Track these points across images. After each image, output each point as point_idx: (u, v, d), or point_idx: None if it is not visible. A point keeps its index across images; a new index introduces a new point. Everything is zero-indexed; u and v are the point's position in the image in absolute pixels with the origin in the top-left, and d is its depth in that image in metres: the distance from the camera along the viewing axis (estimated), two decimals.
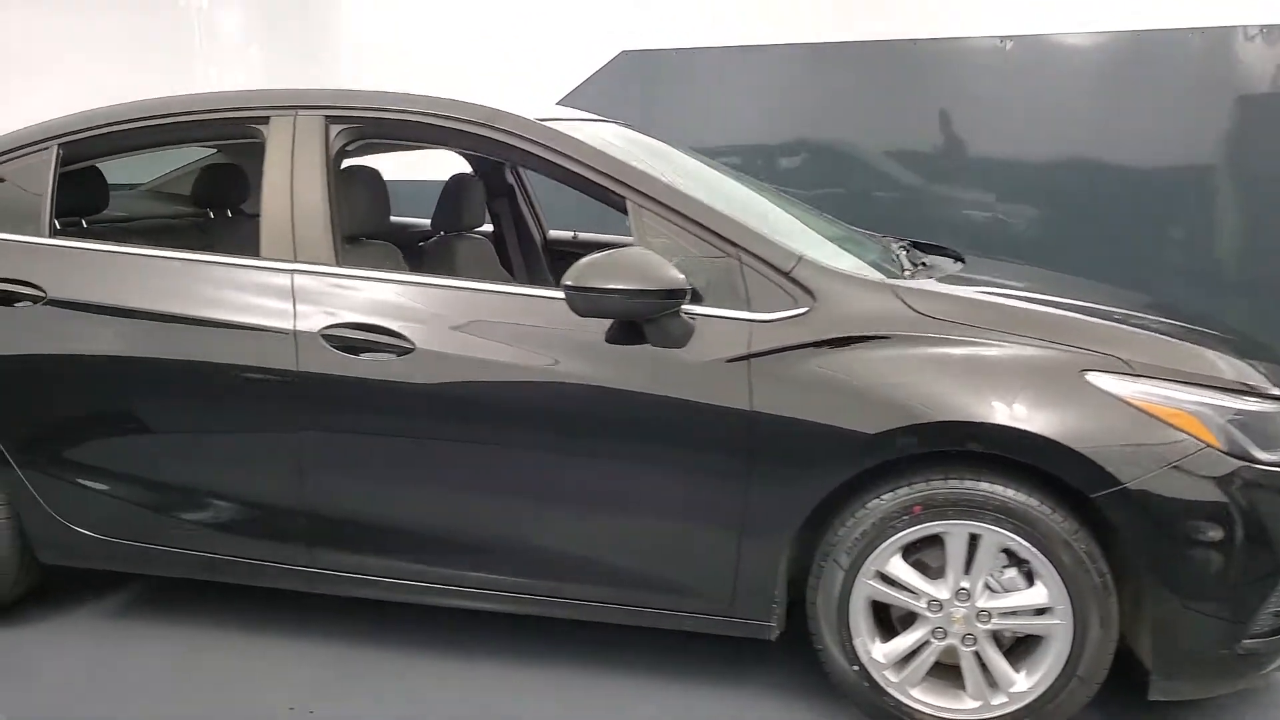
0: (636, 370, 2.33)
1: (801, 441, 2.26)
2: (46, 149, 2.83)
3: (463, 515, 2.54)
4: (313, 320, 2.50)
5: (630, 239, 2.42)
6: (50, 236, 2.78)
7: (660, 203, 2.41)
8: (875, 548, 2.26)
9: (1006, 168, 4.75)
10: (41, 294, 2.69)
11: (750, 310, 2.31)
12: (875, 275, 2.46)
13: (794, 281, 2.32)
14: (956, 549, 2.24)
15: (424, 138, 2.75)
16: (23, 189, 2.83)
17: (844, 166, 5.14)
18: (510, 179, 3.90)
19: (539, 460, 2.46)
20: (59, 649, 2.83)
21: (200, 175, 3.76)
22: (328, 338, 2.48)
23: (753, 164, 5.53)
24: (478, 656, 2.73)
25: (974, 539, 2.22)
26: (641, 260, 2.26)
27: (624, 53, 6.19)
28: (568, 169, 2.50)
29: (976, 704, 2.29)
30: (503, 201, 3.93)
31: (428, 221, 3.61)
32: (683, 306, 2.29)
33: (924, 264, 2.84)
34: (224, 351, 2.57)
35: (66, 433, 2.75)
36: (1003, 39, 4.80)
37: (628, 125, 3.25)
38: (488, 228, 3.99)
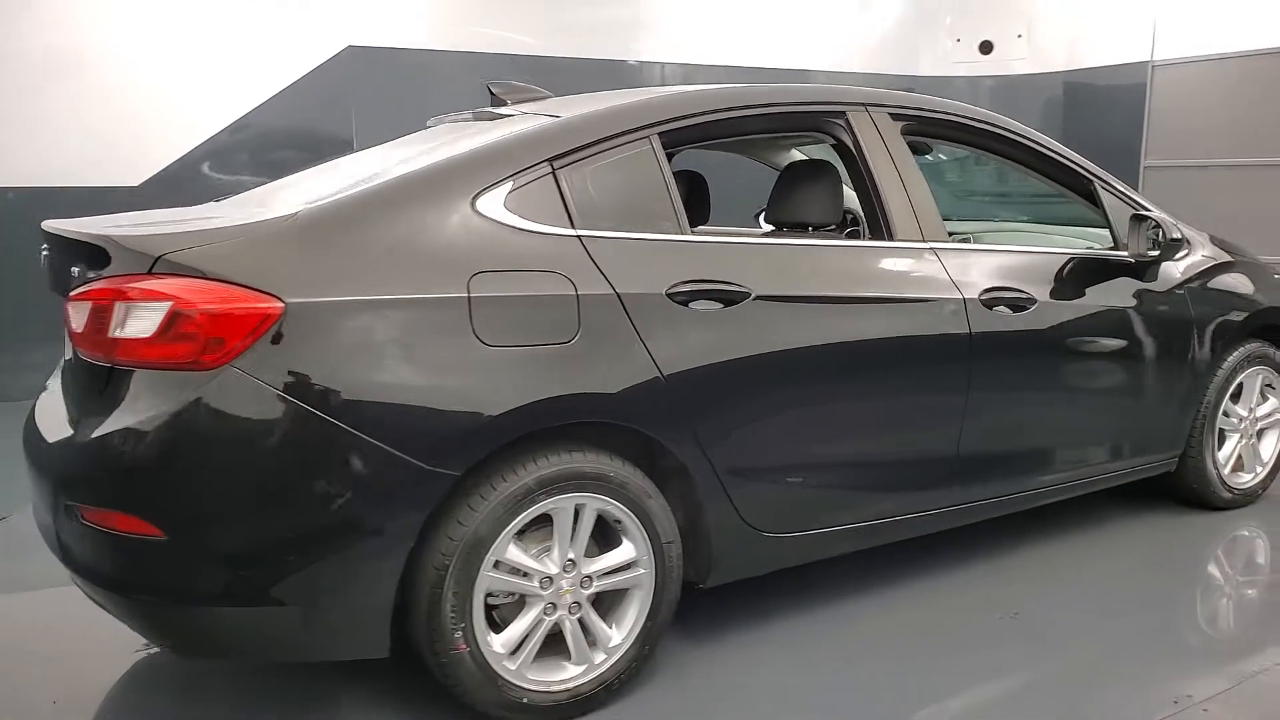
0: (1145, 299, 3.43)
1: (1202, 331, 3.62)
2: (643, 139, 2.59)
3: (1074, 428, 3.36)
4: (970, 288, 2.97)
5: None
6: (688, 233, 2.59)
7: (1113, 187, 3.48)
8: None
9: None
10: (745, 290, 2.55)
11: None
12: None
13: (1173, 238, 3.57)
14: None
15: (955, 137, 3.29)
16: (637, 185, 2.57)
17: None
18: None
19: (1108, 370, 3.42)
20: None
21: None
22: (984, 301, 2.98)
23: None
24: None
25: None
26: (1172, 219, 3.35)
27: (349, 48, 6.06)
28: (1069, 169, 3.45)
29: None
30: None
31: None
32: None
33: None
34: (916, 324, 2.86)
35: (771, 433, 2.66)
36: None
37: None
38: None
